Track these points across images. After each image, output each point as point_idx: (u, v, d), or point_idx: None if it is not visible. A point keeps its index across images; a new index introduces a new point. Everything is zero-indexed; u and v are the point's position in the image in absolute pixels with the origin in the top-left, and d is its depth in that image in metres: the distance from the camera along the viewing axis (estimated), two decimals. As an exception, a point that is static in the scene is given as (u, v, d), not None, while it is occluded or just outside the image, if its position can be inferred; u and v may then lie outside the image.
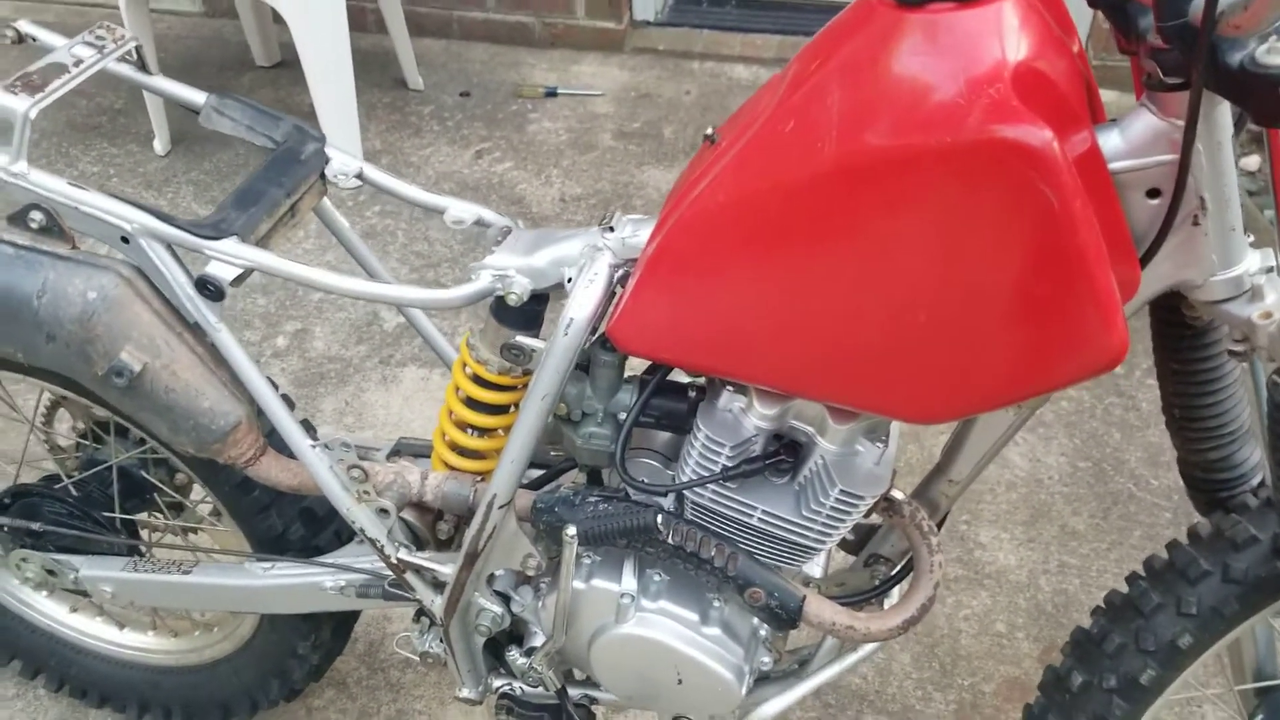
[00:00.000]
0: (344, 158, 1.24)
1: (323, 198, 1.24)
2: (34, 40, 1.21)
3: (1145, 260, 0.88)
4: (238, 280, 1.09)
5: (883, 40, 0.83)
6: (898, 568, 1.22)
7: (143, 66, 1.24)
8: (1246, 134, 0.90)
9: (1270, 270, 0.89)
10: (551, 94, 3.36)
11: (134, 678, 1.68)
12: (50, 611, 1.70)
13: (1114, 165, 0.85)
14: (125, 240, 1.09)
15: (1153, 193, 0.86)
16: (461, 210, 1.20)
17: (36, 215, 1.09)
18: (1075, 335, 0.82)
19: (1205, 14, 0.72)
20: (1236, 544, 1.06)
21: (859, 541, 1.26)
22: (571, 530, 1.08)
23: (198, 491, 1.56)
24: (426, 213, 2.70)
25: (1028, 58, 0.80)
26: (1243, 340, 0.92)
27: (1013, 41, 0.81)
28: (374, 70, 3.46)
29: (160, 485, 1.53)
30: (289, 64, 2.85)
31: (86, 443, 1.55)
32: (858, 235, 0.85)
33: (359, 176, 1.24)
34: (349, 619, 1.54)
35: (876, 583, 1.22)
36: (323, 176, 1.23)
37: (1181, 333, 1.04)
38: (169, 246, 1.09)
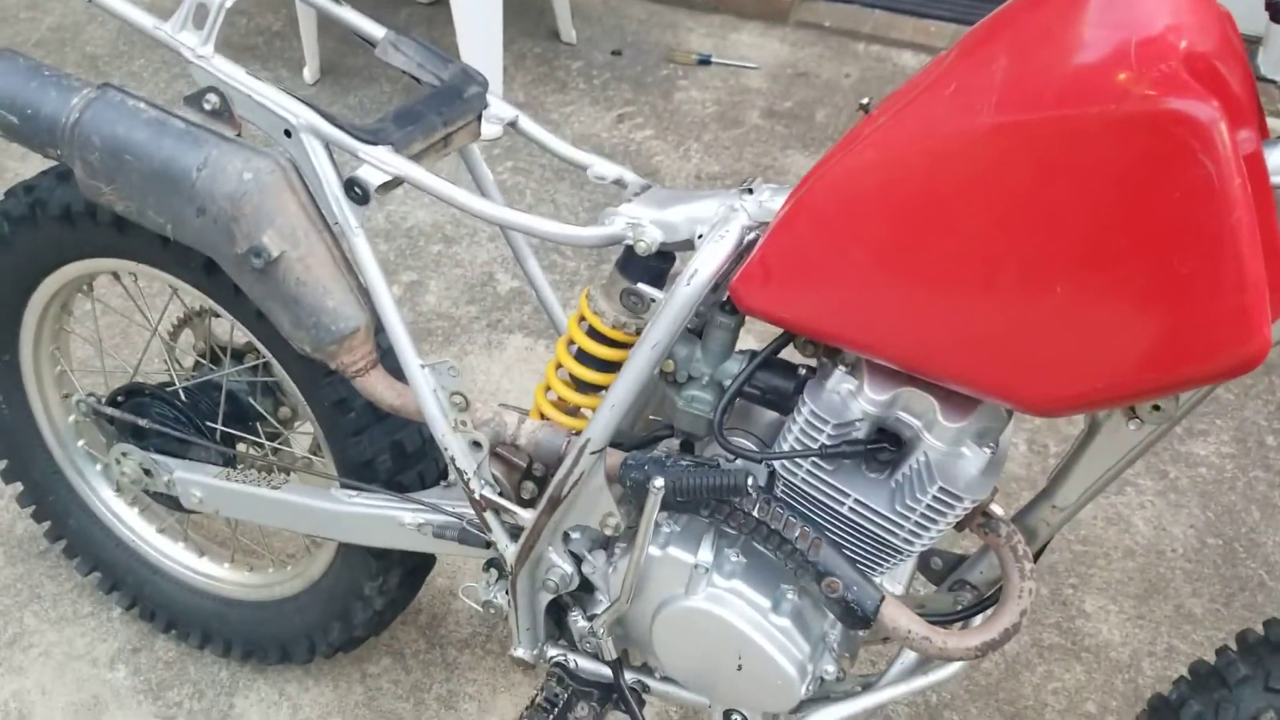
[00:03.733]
0: (503, 105, 1.28)
1: (476, 139, 1.28)
2: None
3: (1298, 284, 0.86)
4: (384, 188, 1.13)
5: (1057, 14, 0.84)
6: (983, 597, 1.18)
7: (333, -6, 1.31)
8: None
9: None
10: (705, 62, 3.27)
11: (203, 606, 1.72)
12: (138, 528, 1.76)
13: (1275, 179, 0.84)
14: (287, 134, 1.15)
15: (1312, 215, 0.85)
16: (605, 168, 1.23)
17: (212, 98, 1.15)
18: (1215, 324, 0.79)
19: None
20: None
21: (945, 571, 1.23)
22: (660, 481, 1.07)
23: (297, 427, 1.61)
24: (557, 175, 2.79)
25: (1203, 48, 0.80)
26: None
27: (1190, 29, 0.81)
28: (529, 18, 3.44)
29: (265, 414, 1.57)
30: (446, 3, 2.85)
31: (204, 362, 1.60)
32: (1005, 203, 0.85)
33: (513, 124, 1.28)
34: (418, 571, 1.54)
35: (959, 608, 1.18)
36: (479, 119, 1.27)
37: None
38: (326, 146, 1.14)
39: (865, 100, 1.01)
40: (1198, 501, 2.08)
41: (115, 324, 2.21)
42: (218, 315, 1.52)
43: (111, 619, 1.82)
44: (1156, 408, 0.96)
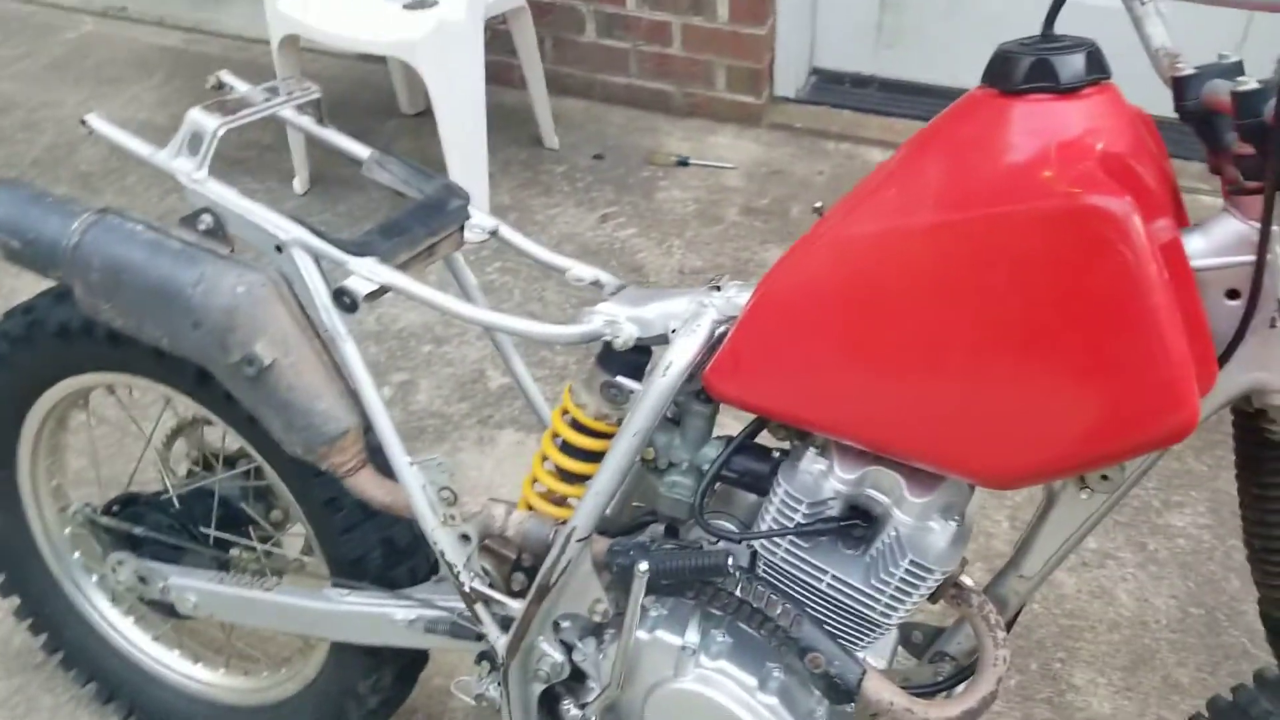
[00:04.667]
0: (484, 216, 1.35)
1: (459, 248, 1.34)
2: (231, 89, 1.37)
3: (1224, 360, 0.92)
4: (371, 296, 1.19)
5: (985, 124, 0.92)
6: (962, 667, 1.22)
7: (319, 118, 1.39)
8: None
9: None
10: (683, 163, 3.39)
11: (199, 713, 1.73)
12: (134, 637, 1.78)
13: (1195, 263, 0.91)
14: (278, 249, 1.21)
15: (1232, 294, 0.92)
16: (582, 270, 1.30)
17: (206, 218, 1.22)
18: (1145, 397, 0.86)
19: (1277, 110, 0.78)
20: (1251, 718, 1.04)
21: (926, 644, 1.27)
22: (644, 565, 1.11)
23: (289, 530, 1.64)
24: (544, 274, 2.88)
25: (1116, 147, 0.88)
26: (1320, 447, 0.94)
27: (1104, 131, 0.88)
28: (514, 126, 3.56)
29: (257, 518, 1.61)
30: (432, 113, 2.93)
31: (198, 470, 1.65)
32: (947, 293, 0.91)
33: (494, 233, 1.35)
34: (412, 668, 1.56)
35: (939, 679, 1.22)
36: (461, 230, 1.34)
37: (1264, 453, 1.06)
38: (316, 259, 1.21)
39: (818, 204, 1.09)
40: (1178, 572, 2.11)
41: (110, 436, 2.25)
42: (210, 424, 1.57)
43: (109, 722, 1.83)
44: (1105, 477, 1.02)
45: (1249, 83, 0.83)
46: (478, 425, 2.46)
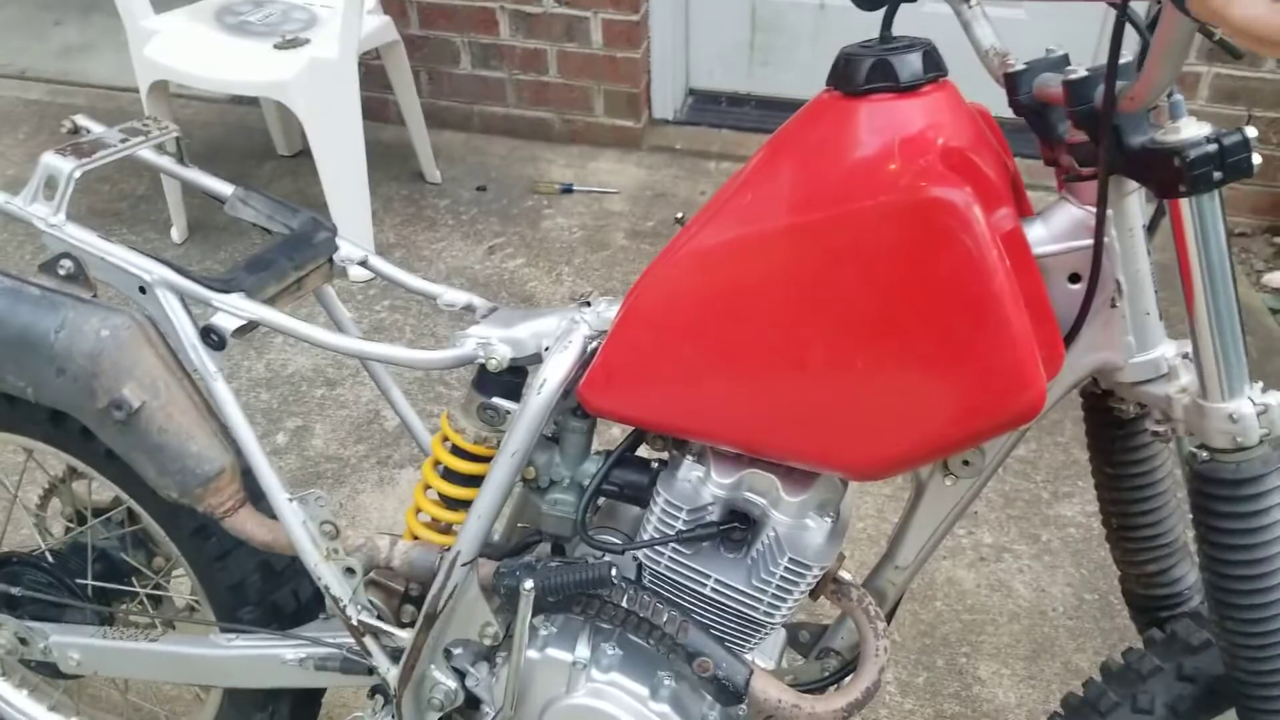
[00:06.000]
0: (352, 247, 1.35)
1: (328, 281, 1.34)
2: (88, 132, 1.35)
3: (1069, 342, 0.97)
4: (239, 331, 1.18)
5: (831, 124, 0.95)
6: (847, 662, 1.24)
7: (180, 157, 1.38)
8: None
9: (1185, 356, 0.97)
10: (567, 190, 3.42)
11: None
12: (26, 708, 1.71)
13: (1037, 250, 0.95)
14: (142, 290, 1.19)
15: (1074, 278, 0.96)
16: (454, 295, 1.30)
17: (66, 263, 1.20)
18: (993, 380, 0.89)
19: (1106, 94, 0.83)
20: (1142, 674, 1.09)
21: (812, 642, 1.29)
22: (529, 583, 1.12)
23: (172, 575, 1.61)
24: (434, 309, 2.86)
25: (956, 142, 0.92)
26: (1163, 420, 0.99)
27: (943, 127, 0.92)
28: (394, 163, 3.56)
29: (138, 566, 1.57)
30: (309, 153, 2.92)
31: (74, 526, 1.60)
32: (802, 292, 0.94)
33: (363, 264, 1.35)
34: (308, 700, 1.53)
35: (826, 674, 1.24)
36: (330, 262, 1.33)
37: (1114, 433, 1.11)
38: (181, 297, 1.19)
39: (679, 215, 1.11)
40: (1071, 560, 2.19)
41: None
42: (80, 478, 1.54)
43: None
44: (967, 463, 1.05)
45: (1078, 71, 0.87)
46: (377, 466, 2.44)
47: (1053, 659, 2.00)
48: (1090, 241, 0.93)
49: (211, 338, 1.17)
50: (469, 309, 1.30)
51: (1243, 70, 3.09)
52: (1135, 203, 0.93)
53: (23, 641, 1.50)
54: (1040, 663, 1.99)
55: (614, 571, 1.11)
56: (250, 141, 3.75)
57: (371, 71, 3.24)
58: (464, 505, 1.25)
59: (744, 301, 0.97)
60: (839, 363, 0.94)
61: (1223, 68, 3.09)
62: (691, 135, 3.70)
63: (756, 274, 0.95)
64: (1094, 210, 0.92)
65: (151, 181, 3.39)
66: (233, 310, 1.18)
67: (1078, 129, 0.90)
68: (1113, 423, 1.11)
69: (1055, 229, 0.96)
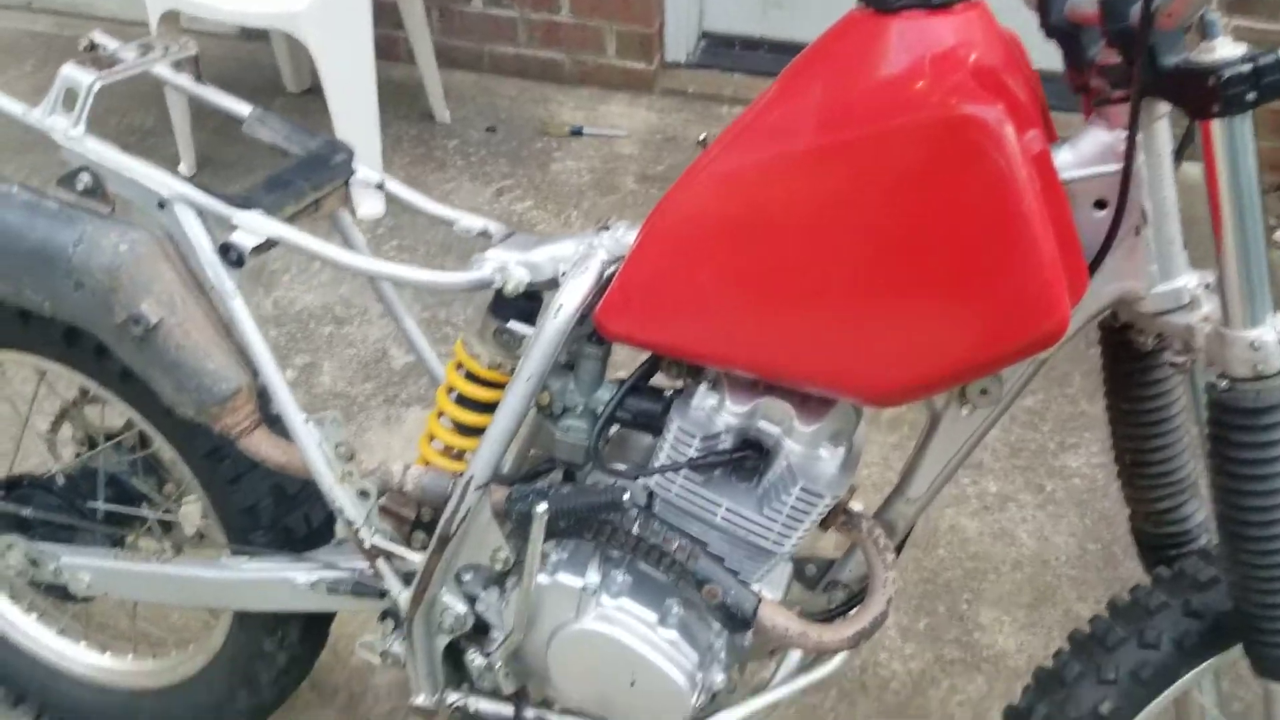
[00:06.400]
0: (369, 171, 1.34)
1: (345, 204, 1.34)
2: (105, 49, 1.33)
3: (1093, 270, 0.96)
4: (257, 250, 1.18)
5: (861, 42, 0.94)
6: (854, 594, 1.25)
7: (197, 75, 1.37)
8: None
9: (1206, 286, 0.97)
10: (577, 133, 3.37)
11: (111, 703, 1.69)
12: (36, 634, 1.72)
13: (1064, 175, 0.94)
14: (161, 206, 1.19)
15: (1099, 204, 0.96)
16: (470, 221, 1.30)
17: (84, 177, 1.19)
18: (1018, 303, 0.89)
19: (1142, 10, 0.82)
20: (1149, 610, 1.09)
21: (818, 576, 1.30)
22: (543, 506, 1.12)
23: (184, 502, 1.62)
24: (443, 249, 2.86)
25: (988, 62, 0.91)
26: (1184, 351, 0.99)
27: (975, 46, 0.92)
28: (403, 101, 3.51)
29: (147, 493, 1.58)
30: (318, 91, 2.89)
31: (84, 451, 1.61)
32: (828, 213, 0.94)
33: (380, 187, 1.34)
34: (318, 624, 1.55)
35: (832, 606, 1.25)
36: (347, 185, 1.33)
37: (1131, 366, 1.11)
38: (199, 214, 1.19)
39: (703, 136, 1.11)
40: (1075, 511, 2.19)
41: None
42: (91, 402, 1.54)
43: (17, 732, 1.77)
44: (985, 392, 1.05)
45: None
46: (384, 405, 2.44)
47: (1054, 607, 2.00)
48: (1118, 167, 0.92)
49: (230, 255, 1.17)
50: (484, 235, 1.30)
51: (1263, 22, 3.06)
52: (1165, 127, 0.92)
53: (33, 563, 1.51)
54: (1041, 610, 2.00)
55: (627, 496, 1.11)
56: (259, 78, 3.70)
57: (383, 8, 3.20)
58: (477, 432, 1.25)
59: (767, 222, 0.96)
60: (862, 284, 0.94)
61: (1243, 19, 3.06)
62: (704, 79, 3.64)
63: (781, 194, 0.95)
64: (1123, 134, 0.91)
65: (160, 114, 3.35)
66: (251, 228, 1.17)
67: (1111, 48, 0.89)
68: (1130, 356, 1.11)
69: (1082, 154, 0.95)
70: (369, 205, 2.93)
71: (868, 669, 1.88)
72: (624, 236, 1.12)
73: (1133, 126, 0.89)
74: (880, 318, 0.94)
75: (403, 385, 2.49)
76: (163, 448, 1.45)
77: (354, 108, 2.90)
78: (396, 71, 3.58)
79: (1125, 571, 2.06)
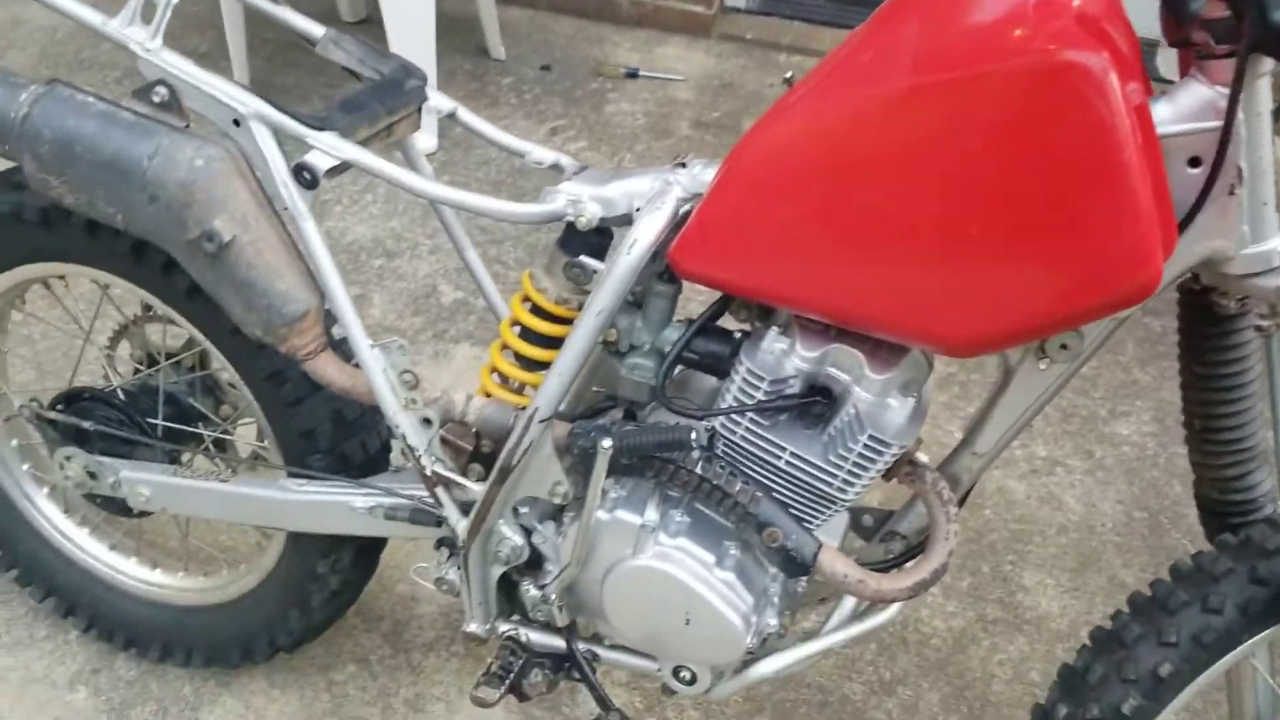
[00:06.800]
0: (442, 98, 1.33)
1: (416, 130, 1.33)
2: None
3: (1183, 227, 0.94)
4: (331, 172, 1.17)
5: None
6: (912, 546, 1.25)
7: (272, -3, 1.36)
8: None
9: None
10: (632, 75, 3.33)
11: (161, 618, 1.71)
12: (90, 547, 1.75)
13: (1160, 130, 0.92)
14: (236, 123, 1.19)
15: (1194, 162, 0.93)
16: (542, 154, 1.29)
17: (161, 90, 1.19)
18: (1111, 255, 0.87)
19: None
20: (1214, 576, 1.08)
21: (875, 527, 1.30)
22: (608, 442, 1.12)
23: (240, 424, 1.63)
24: (495, 187, 2.85)
25: (1092, 10, 0.88)
26: (1270, 315, 0.97)
27: None
28: (458, 36, 3.48)
29: (206, 413, 1.59)
30: (374, 21, 2.86)
31: (142, 369, 1.62)
32: (920, 158, 0.92)
33: (452, 115, 1.33)
34: (370, 549, 1.56)
35: (890, 556, 1.25)
36: (419, 111, 1.32)
37: (1209, 329, 1.09)
38: (275, 133, 1.18)
39: (789, 75, 1.09)
40: (1124, 478, 2.18)
41: (47, 339, 2.20)
42: (153, 320, 1.55)
43: (69, 641, 1.80)
44: (1064, 346, 1.04)
45: None
46: (433, 340, 2.45)
47: (1098, 573, 2.00)
48: (1216, 124, 0.90)
49: (304, 176, 1.17)
50: (556, 168, 1.29)
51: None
52: (1267, 86, 0.90)
53: (92, 475, 1.53)
54: (1085, 575, 1.99)
55: (694, 435, 1.11)
56: (314, 6, 3.63)
57: (440, -61, 3.18)
58: (540, 366, 1.25)
59: (855, 164, 0.95)
60: (951, 231, 0.92)
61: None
62: (763, 25, 3.58)
63: (871, 135, 0.93)
64: (1223, 90, 0.89)
65: (215, 39, 3.33)
66: (327, 149, 1.17)
67: (1218, 1, 0.87)
68: (1209, 319, 1.09)
69: (1181, 109, 0.93)
70: (423, 139, 2.92)
71: (909, 625, 1.88)
72: (701, 174, 1.11)
73: (1236, 83, 0.86)
74: (968, 265, 0.93)
75: (451, 321, 2.49)
76: (222, 369, 1.46)
77: (411, 39, 2.87)
78: (450, 5, 3.54)
79: (1171, 541, 2.05)
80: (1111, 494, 2.15)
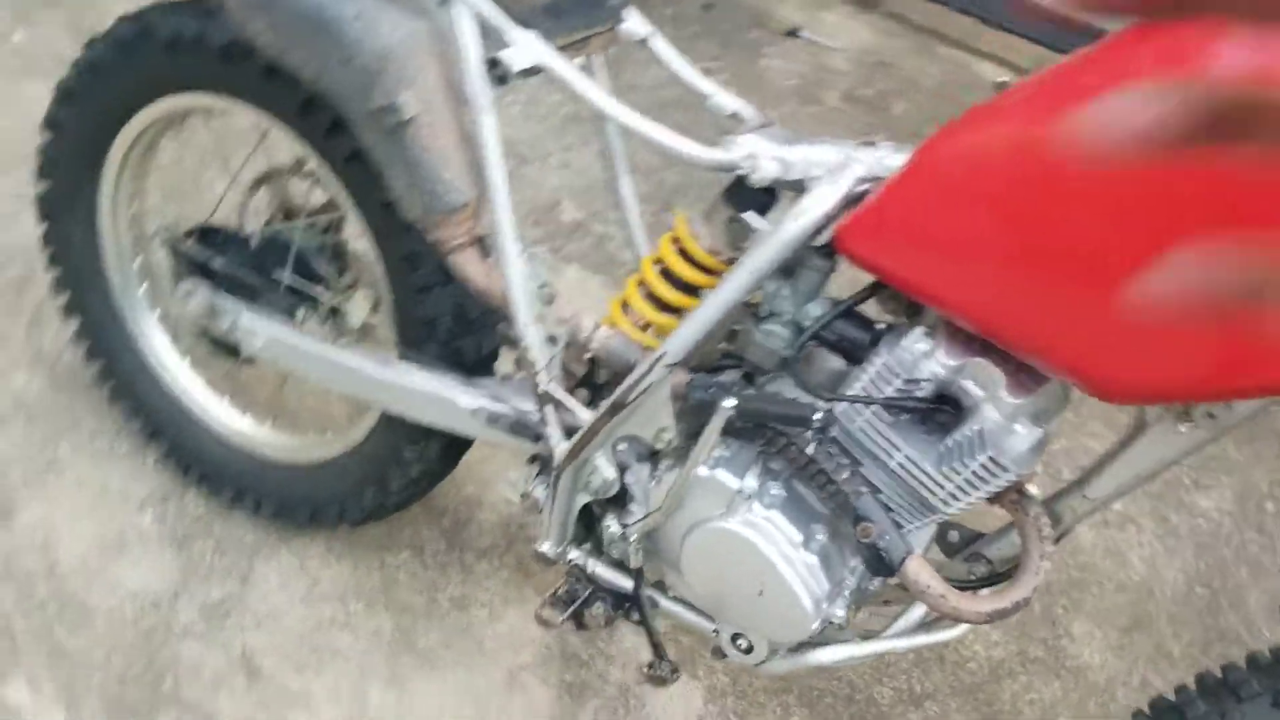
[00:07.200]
0: (641, 21, 1.32)
1: (609, 47, 1.32)
2: None
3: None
4: (524, 73, 1.17)
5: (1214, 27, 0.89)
6: (996, 573, 1.24)
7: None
8: None
9: None
10: (792, 34, 3.30)
11: (238, 463, 1.76)
12: (185, 380, 1.80)
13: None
14: (441, 2, 1.18)
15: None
16: (725, 100, 1.28)
17: (376, -44, 1.19)
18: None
19: None
20: None
21: (960, 545, 1.29)
22: (730, 402, 1.12)
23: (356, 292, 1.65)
24: (582, 141, 2.80)
25: None
26: None
27: None
28: (632, -42, 3.49)
29: (329, 278, 1.61)
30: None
31: (274, 221, 1.65)
32: (1125, 194, 0.90)
33: (644, 42, 1.33)
34: (456, 446, 1.58)
35: (973, 578, 1.24)
36: (614, 30, 1.31)
37: None
38: (479, 21, 1.18)
39: (1002, 79, 1.06)
40: (1193, 550, 2.16)
41: (191, 173, 2.25)
42: (298, 174, 1.57)
43: (146, 464, 1.86)
44: (1211, 415, 1.01)
45: None
46: (548, 254, 2.45)
47: (1147, 637, 1.98)
48: None
49: (496, 70, 1.17)
50: (735, 117, 1.28)
51: None
52: None
53: (212, 312, 1.56)
54: (1134, 636, 1.97)
55: (818, 416, 1.10)
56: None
57: None
58: (673, 310, 1.25)
59: (1054, 184, 0.92)
60: (1139, 273, 0.90)
61: None
62: (932, 12, 3.53)
63: (1077, 159, 0.91)
64: None
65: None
66: (526, 48, 1.16)
67: None
68: None
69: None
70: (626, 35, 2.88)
71: (949, 645, 1.88)
72: (887, 158, 1.09)
73: None
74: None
75: (569, 239, 2.49)
76: (357, 237, 1.48)
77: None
78: (623, -73, 3.52)
79: (1225, 623, 2.03)
80: (1177, 562, 2.12)
